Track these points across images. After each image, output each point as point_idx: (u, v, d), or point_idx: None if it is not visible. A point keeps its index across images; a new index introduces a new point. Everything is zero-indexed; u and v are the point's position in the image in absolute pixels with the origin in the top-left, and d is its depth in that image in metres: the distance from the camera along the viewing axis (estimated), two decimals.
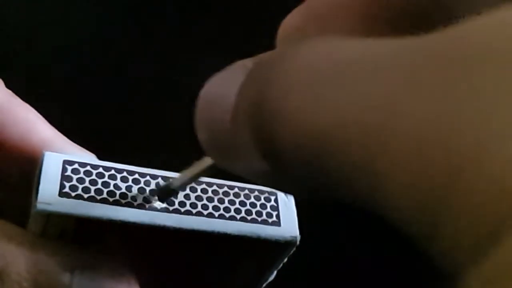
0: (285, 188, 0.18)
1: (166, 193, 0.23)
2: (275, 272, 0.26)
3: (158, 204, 0.23)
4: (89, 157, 0.24)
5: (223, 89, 0.15)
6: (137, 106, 0.42)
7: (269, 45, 0.17)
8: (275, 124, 0.14)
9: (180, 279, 0.26)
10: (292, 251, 0.25)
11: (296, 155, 0.14)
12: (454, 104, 0.11)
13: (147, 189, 0.23)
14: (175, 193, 0.23)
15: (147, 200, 0.22)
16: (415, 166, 0.11)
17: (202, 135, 0.16)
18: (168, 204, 0.23)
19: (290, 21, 0.17)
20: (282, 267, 0.26)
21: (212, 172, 0.21)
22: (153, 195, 0.23)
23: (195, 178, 0.22)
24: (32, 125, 0.24)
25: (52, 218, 0.22)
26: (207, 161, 0.21)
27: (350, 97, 0.12)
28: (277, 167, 0.14)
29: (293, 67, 0.14)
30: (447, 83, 0.11)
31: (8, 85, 0.25)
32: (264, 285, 0.27)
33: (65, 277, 0.22)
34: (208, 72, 0.16)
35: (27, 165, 0.23)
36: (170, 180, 0.23)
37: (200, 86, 0.16)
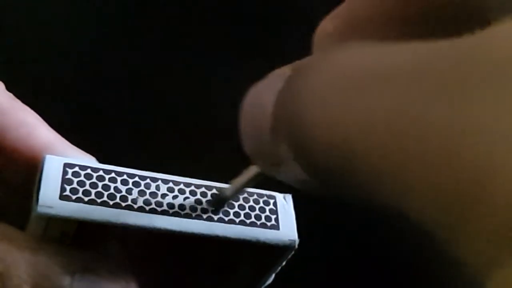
0: (326, 193, 0.18)
1: (218, 203, 0.23)
2: (273, 276, 0.26)
3: (158, 207, 0.23)
4: (90, 160, 0.24)
5: (262, 97, 0.16)
6: (140, 109, 0.42)
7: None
8: (308, 133, 0.14)
9: (179, 282, 0.26)
10: (290, 255, 0.25)
11: (329, 164, 0.14)
12: (479, 112, 0.11)
13: (147, 191, 0.23)
14: (226, 202, 0.23)
15: (148, 203, 0.23)
16: (443, 175, 0.11)
17: (246, 143, 0.16)
18: (168, 207, 0.23)
19: (326, 25, 0.18)
20: (280, 270, 0.26)
21: (260, 180, 0.22)
22: (207, 205, 0.23)
23: (244, 187, 0.23)
24: (33, 128, 0.24)
25: (53, 221, 0.22)
26: (254, 169, 0.22)
27: (381, 105, 0.12)
28: (312, 175, 0.15)
29: (325, 76, 0.14)
30: (473, 91, 0.11)
31: (8, 88, 0.25)
32: (263, 286, 0.27)
33: (66, 280, 0.22)
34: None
35: (28, 169, 0.24)
36: (222, 189, 0.24)
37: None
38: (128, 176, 0.23)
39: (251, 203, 0.24)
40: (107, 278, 0.23)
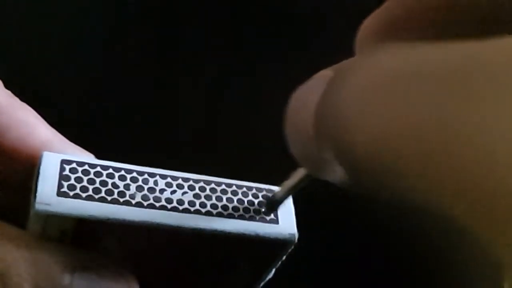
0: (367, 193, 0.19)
1: (270, 205, 0.24)
2: (273, 271, 0.26)
3: (156, 202, 0.23)
4: (88, 157, 0.24)
5: (305, 100, 0.16)
6: (137, 106, 0.42)
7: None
8: (349, 137, 0.14)
9: (179, 278, 0.26)
10: (290, 250, 0.25)
11: (370, 167, 0.14)
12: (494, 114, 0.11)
13: (145, 187, 0.23)
14: (279, 204, 0.24)
15: (146, 198, 0.23)
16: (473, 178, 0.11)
17: (291, 146, 0.17)
18: (166, 202, 0.23)
19: (367, 25, 0.18)
20: (281, 266, 0.26)
21: (308, 181, 0.22)
22: (260, 206, 0.24)
23: (294, 189, 0.23)
24: (31, 126, 0.24)
25: (51, 219, 0.22)
26: (301, 172, 0.22)
27: (425, 107, 0.12)
28: (354, 178, 0.15)
29: (365, 78, 0.14)
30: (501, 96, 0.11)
31: (7, 86, 0.25)
32: (262, 284, 0.27)
33: (65, 278, 0.22)
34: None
35: (28, 168, 0.24)
36: (274, 192, 0.24)
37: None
38: (125, 172, 0.23)
39: (250, 197, 0.24)
40: (107, 277, 0.23)
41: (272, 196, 0.24)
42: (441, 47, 0.13)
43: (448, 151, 0.12)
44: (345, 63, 0.16)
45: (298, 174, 0.22)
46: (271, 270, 0.26)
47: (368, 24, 0.18)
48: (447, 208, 0.12)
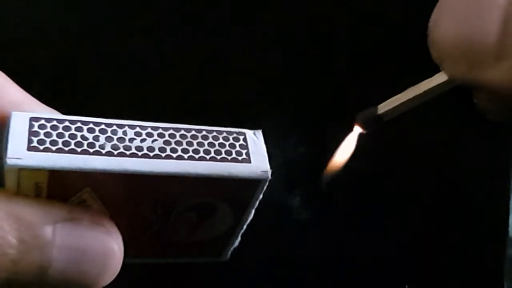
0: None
1: (371, 121, 0.21)
2: (253, 212, 0.26)
3: (127, 151, 0.23)
4: (56, 114, 0.25)
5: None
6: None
7: None
8: None
9: (159, 226, 0.26)
10: (265, 188, 0.25)
11: None
12: None
13: (115, 137, 0.23)
14: (381, 121, 0.22)
15: (116, 147, 0.23)
16: None
17: (446, 39, 0.16)
18: (137, 149, 0.23)
19: None
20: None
21: (441, 90, 0.20)
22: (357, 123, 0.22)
23: (427, 95, 0.21)
24: (1, 88, 0.25)
25: (24, 174, 0.22)
26: (442, 76, 0.21)
27: None
28: None
29: None
30: None
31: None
32: (244, 227, 0.27)
33: (48, 230, 0.22)
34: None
35: None
36: (376, 107, 0.21)
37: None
38: (94, 125, 0.23)
39: (221, 140, 0.25)
40: (88, 227, 0.23)
41: (373, 110, 0.21)
42: None
43: None
44: None
45: (436, 80, 0.20)
46: (250, 212, 0.26)
47: None
48: None
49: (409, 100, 0.21)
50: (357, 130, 0.21)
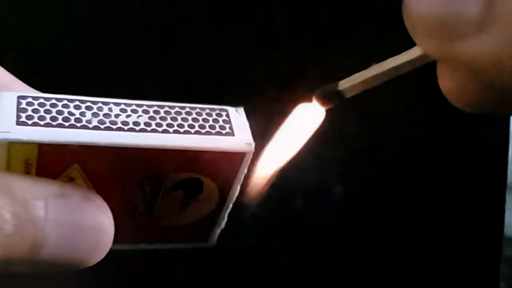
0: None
1: (329, 96, 0.21)
2: (238, 188, 0.27)
3: (113, 125, 0.24)
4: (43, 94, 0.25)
5: None
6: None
7: None
8: None
9: (146, 203, 0.27)
10: (249, 161, 0.26)
11: None
12: None
13: (100, 113, 0.24)
14: (341, 97, 0.21)
15: (102, 122, 0.24)
16: None
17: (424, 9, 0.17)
18: (123, 124, 0.24)
19: None
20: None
21: (414, 66, 0.20)
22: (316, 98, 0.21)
23: (398, 70, 0.20)
24: None
25: (14, 148, 0.23)
26: (416, 51, 0.20)
27: None
28: None
29: None
30: None
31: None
32: (230, 206, 0.28)
33: (40, 205, 0.23)
34: None
35: None
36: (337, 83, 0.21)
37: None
38: (80, 102, 0.24)
39: (204, 115, 0.25)
40: (78, 202, 0.24)
41: (333, 86, 0.21)
42: None
43: None
44: None
45: (410, 54, 0.20)
46: (235, 188, 0.27)
47: None
48: None
49: (373, 76, 0.21)
50: (316, 105, 0.21)
